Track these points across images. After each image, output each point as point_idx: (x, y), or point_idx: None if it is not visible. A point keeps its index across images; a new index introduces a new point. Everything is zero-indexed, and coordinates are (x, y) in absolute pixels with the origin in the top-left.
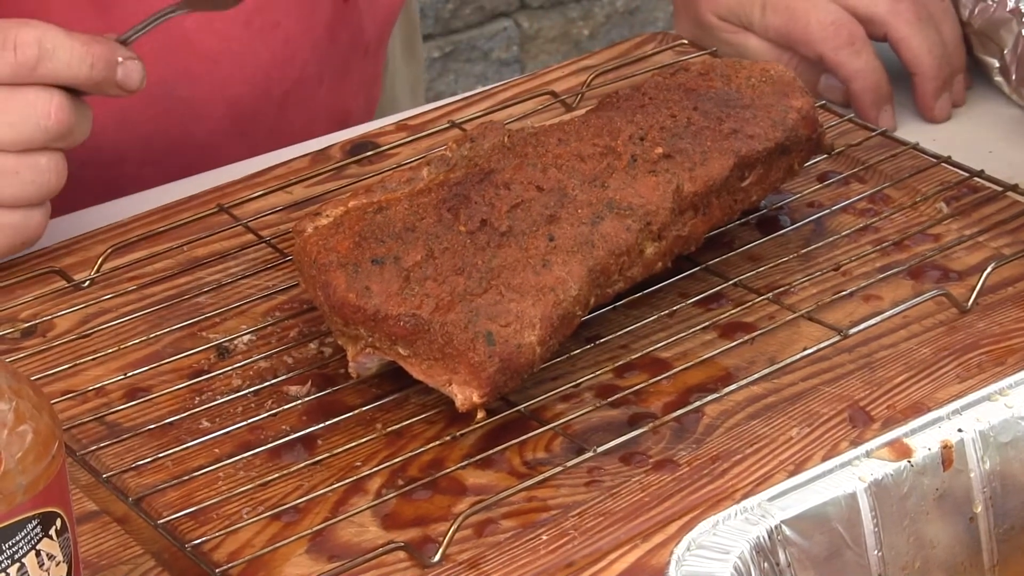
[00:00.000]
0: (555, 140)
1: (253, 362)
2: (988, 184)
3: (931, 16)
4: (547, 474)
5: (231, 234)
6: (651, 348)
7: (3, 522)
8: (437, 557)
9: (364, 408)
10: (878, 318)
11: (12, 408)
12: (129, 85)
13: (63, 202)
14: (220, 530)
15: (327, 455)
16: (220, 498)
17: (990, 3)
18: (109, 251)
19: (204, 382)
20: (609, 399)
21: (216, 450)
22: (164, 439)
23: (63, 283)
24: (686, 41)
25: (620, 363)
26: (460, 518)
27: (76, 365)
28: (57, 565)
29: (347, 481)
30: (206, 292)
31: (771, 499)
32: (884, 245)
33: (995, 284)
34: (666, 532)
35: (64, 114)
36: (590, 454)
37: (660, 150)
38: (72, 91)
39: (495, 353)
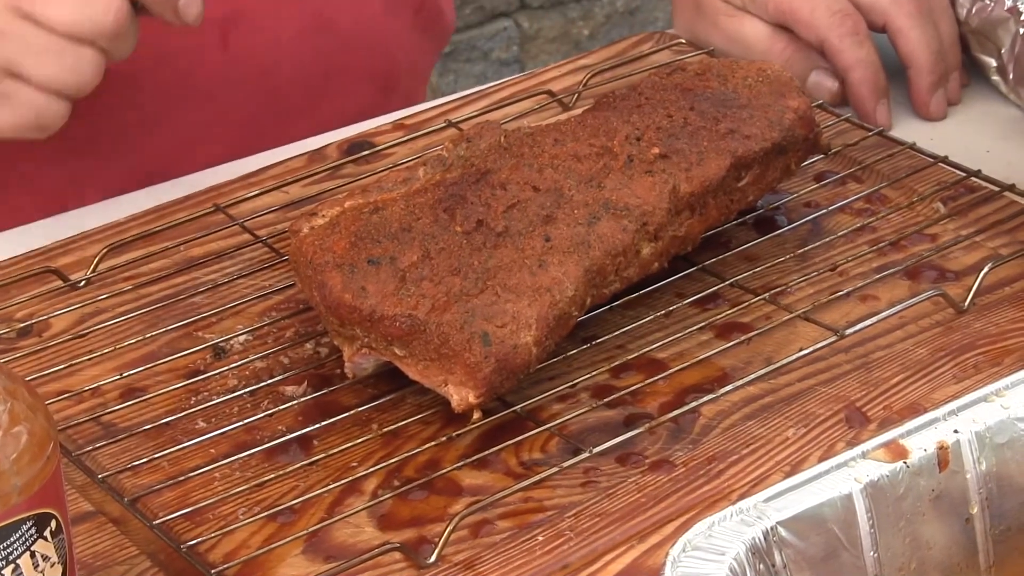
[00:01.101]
0: (551, 140)
1: (249, 362)
2: (985, 184)
3: (931, 11)
4: (543, 475)
5: (227, 234)
6: (647, 348)
7: None
8: (433, 558)
9: (360, 408)
10: (875, 318)
11: (7, 409)
12: (186, 15)
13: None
14: (216, 531)
15: (323, 455)
16: (216, 499)
17: (988, 2)
18: (105, 251)
19: (200, 382)
20: (605, 399)
21: (212, 450)
22: (160, 439)
23: (59, 283)
24: (683, 41)
25: (616, 363)
26: (456, 519)
27: (72, 365)
28: (52, 566)
29: (343, 482)
30: (202, 292)
31: (767, 500)
32: (881, 245)
33: (992, 284)
34: (662, 533)
35: (122, 16)
36: (586, 455)
37: (656, 150)
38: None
39: (491, 354)
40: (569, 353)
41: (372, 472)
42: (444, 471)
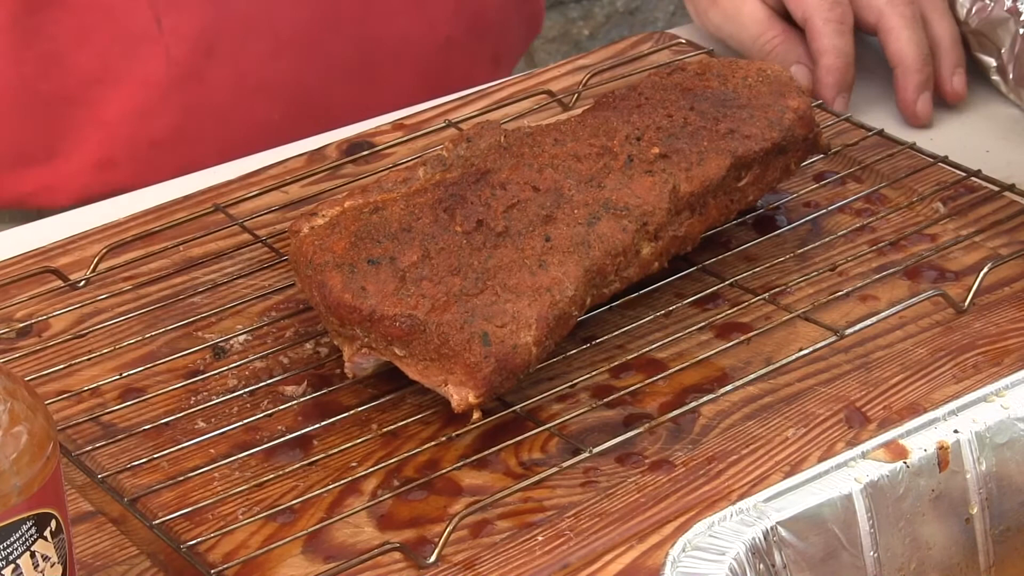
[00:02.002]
0: (551, 140)
1: (249, 362)
2: (985, 184)
3: (925, 19)
4: (543, 475)
5: (227, 234)
6: (647, 348)
7: None
8: (433, 558)
9: (360, 408)
10: (874, 318)
11: (7, 409)
12: None
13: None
14: (215, 531)
15: (323, 456)
16: (215, 499)
17: (988, 2)
18: (105, 251)
19: (200, 382)
20: (605, 399)
21: (212, 451)
22: (159, 439)
23: (59, 283)
24: (683, 40)
25: (616, 363)
26: (456, 519)
27: (71, 365)
28: (52, 566)
29: (343, 482)
30: (202, 292)
31: (767, 500)
32: (880, 245)
33: (992, 284)
34: (662, 533)
35: None
36: (586, 455)
37: (656, 150)
38: None
39: (491, 354)
40: (569, 353)
41: (372, 472)
42: (444, 471)
